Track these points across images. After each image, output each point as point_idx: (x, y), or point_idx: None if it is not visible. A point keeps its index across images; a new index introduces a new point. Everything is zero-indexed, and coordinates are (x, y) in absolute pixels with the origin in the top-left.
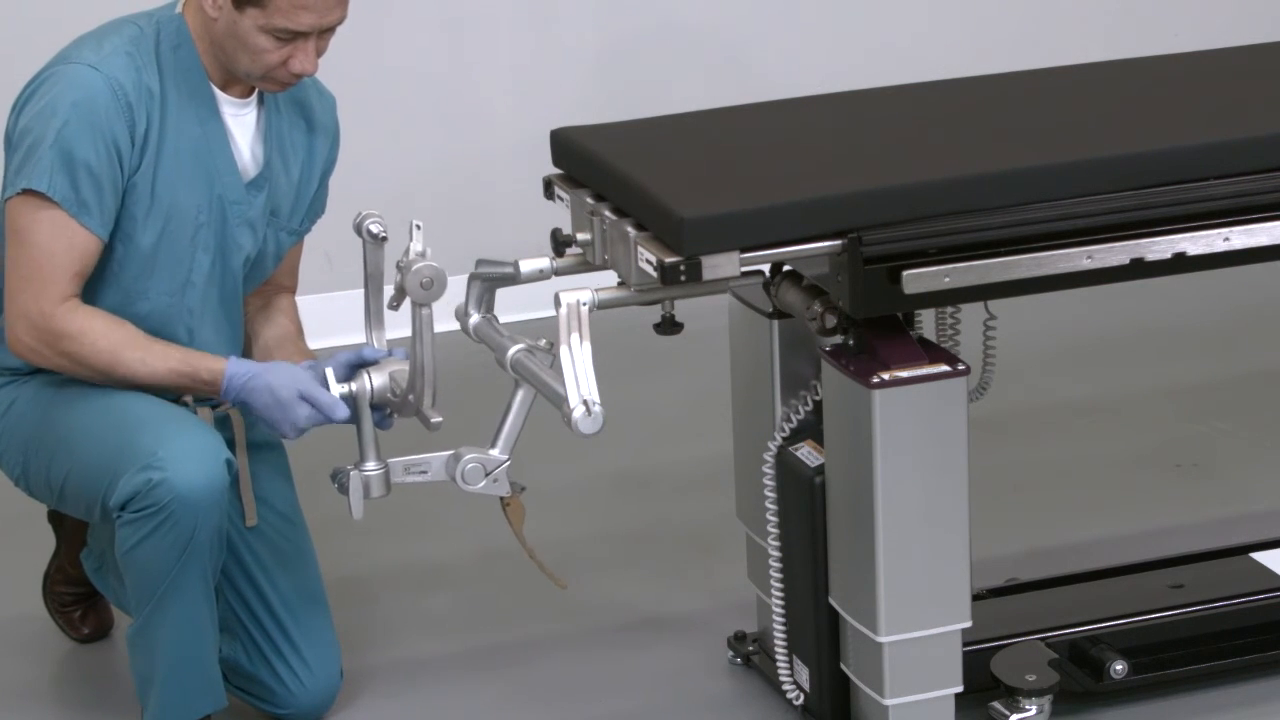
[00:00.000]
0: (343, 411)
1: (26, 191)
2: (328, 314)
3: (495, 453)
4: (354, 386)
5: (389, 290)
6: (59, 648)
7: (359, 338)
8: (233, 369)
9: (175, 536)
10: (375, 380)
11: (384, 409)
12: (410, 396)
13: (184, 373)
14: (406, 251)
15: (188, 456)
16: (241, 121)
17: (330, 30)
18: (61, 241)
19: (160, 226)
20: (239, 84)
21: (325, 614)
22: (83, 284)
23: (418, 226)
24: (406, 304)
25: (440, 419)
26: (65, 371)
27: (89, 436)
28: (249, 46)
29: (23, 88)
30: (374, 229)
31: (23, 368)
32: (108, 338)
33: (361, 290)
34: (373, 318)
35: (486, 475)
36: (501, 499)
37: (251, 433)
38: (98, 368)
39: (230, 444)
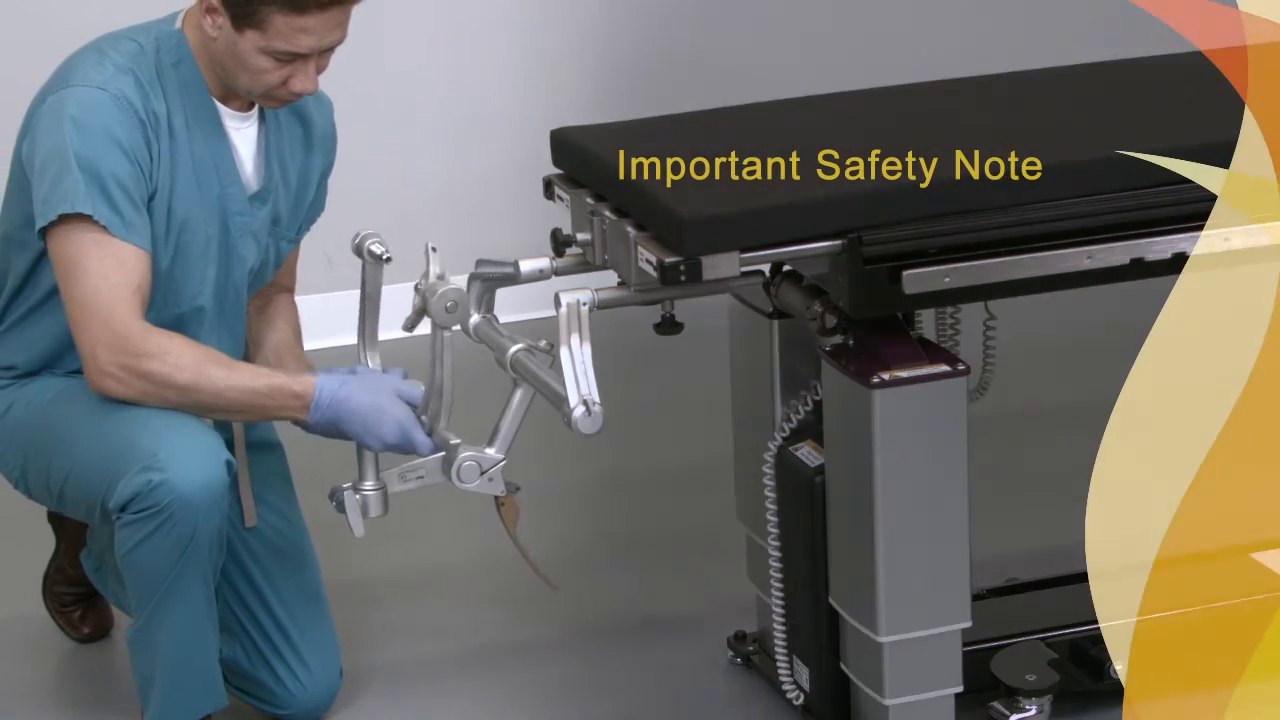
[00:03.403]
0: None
1: (65, 219)
2: (328, 314)
3: (491, 451)
4: None
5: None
6: (59, 648)
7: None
8: (323, 379)
9: (175, 538)
10: None
11: None
12: (423, 417)
13: (274, 386)
14: (425, 275)
15: (188, 457)
16: (243, 135)
17: (330, 50)
18: (111, 261)
19: (175, 244)
20: (239, 98)
21: (325, 614)
22: (144, 301)
23: (433, 249)
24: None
25: (458, 440)
26: (145, 399)
27: (88, 438)
28: (248, 67)
29: (27, 113)
30: (375, 249)
31: (22, 369)
32: (189, 353)
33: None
34: (368, 337)
35: (482, 474)
36: (496, 498)
37: (251, 433)
38: (180, 384)
39: (229, 444)
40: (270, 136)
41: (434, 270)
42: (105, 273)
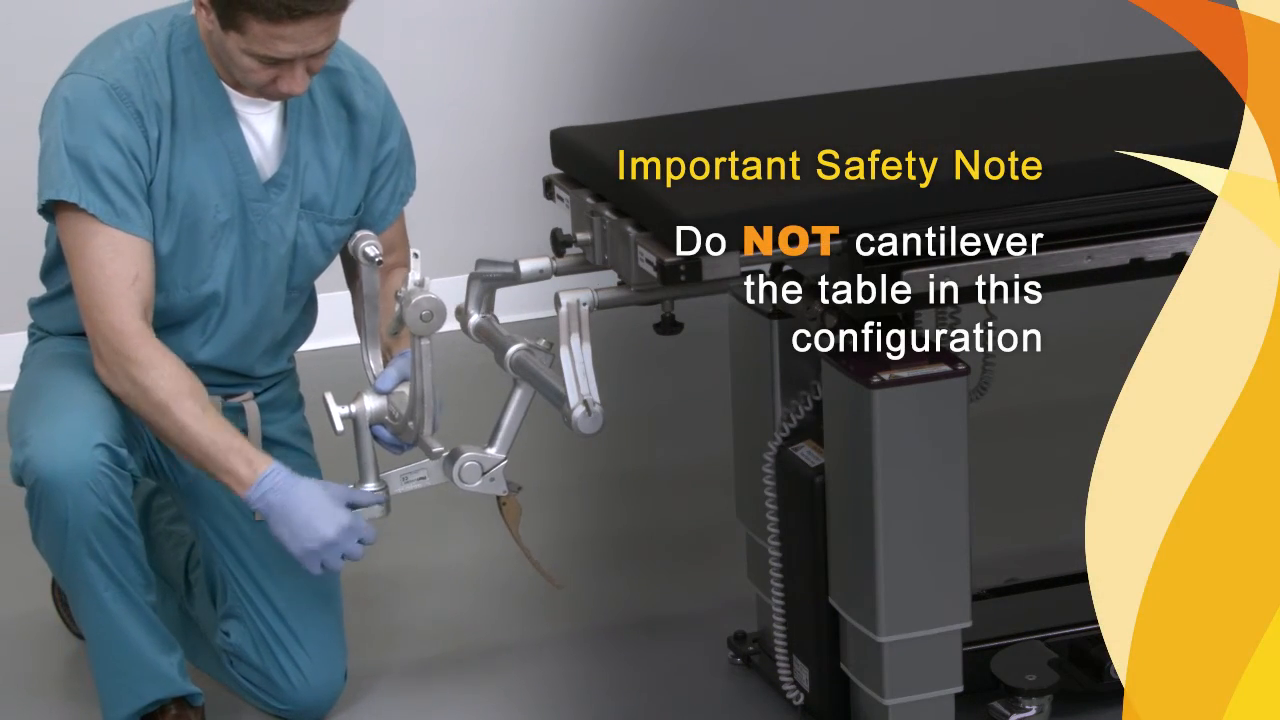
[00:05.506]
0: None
1: (63, 206)
2: (338, 312)
3: (492, 451)
4: (353, 408)
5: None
6: (65, 645)
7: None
8: (278, 467)
9: (52, 519)
10: (370, 405)
11: (397, 435)
12: (410, 424)
13: (231, 447)
14: (405, 281)
15: (52, 439)
16: (263, 118)
17: (318, 54)
18: (106, 250)
19: (176, 230)
20: None
21: (333, 612)
22: (144, 291)
23: (415, 255)
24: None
25: (441, 448)
26: (126, 399)
27: (27, 396)
28: (237, 64)
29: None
30: (370, 251)
31: (55, 330)
32: (176, 380)
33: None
34: (369, 337)
35: (483, 474)
36: (498, 498)
37: (270, 428)
38: (154, 402)
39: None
40: (302, 119)
41: (414, 277)
42: (101, 261)
